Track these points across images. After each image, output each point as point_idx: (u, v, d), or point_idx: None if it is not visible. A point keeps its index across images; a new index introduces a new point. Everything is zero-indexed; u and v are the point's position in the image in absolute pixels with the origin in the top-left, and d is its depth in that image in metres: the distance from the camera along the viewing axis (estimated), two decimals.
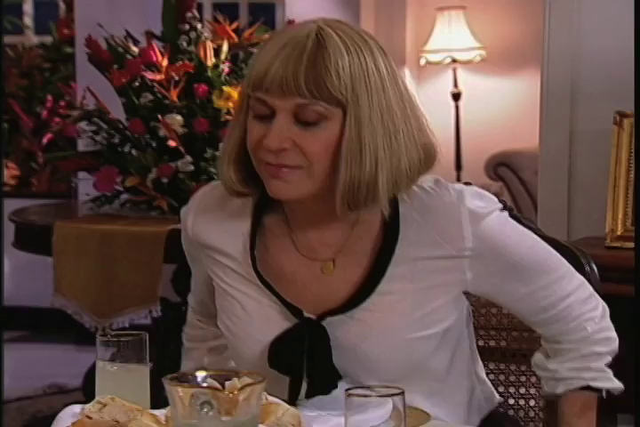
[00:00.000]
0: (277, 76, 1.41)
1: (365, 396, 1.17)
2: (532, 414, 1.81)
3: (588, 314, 1.57)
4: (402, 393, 1.17)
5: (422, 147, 1.47)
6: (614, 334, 1.59)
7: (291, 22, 3.38)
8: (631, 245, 2.43)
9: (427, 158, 1.48)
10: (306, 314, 1.51)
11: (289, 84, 1.40)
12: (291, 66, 1.40)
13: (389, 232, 1.49)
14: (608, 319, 1.60)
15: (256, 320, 1.53)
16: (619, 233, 2.46)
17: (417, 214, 1.49)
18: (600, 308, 1.59)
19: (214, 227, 1.57)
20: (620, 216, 2.47)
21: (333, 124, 1.43)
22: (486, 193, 1.54)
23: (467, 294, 1.57)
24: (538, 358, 1.62)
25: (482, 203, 1.51)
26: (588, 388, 1.57)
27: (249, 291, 1.54)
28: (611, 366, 1.60)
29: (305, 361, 1.49)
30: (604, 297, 1.71)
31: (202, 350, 1.76)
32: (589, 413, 1.58)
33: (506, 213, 1.55)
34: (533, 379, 1.80)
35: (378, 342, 1.49)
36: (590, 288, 1.60)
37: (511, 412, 1.81)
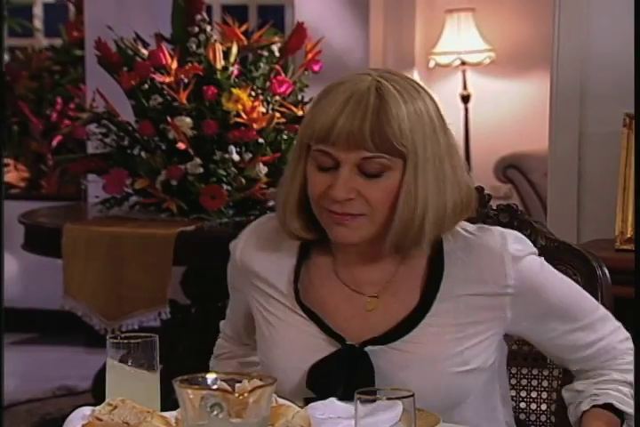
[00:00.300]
0: (344, 130, 1.47)
1: (375, 399, 1.17)
2: (543, 418, 1.80)
3: (623, 350, 1.60)
4: (412, 396, 1.17)
5: (465, 189, 1.55)
6: None
7: (301, 25, 3.38)
8: None
9: (468, 200, 1.55)
10: (348, 341, 1.55)
11: (355, 138, 1.47)
12: (357, 121, 1.47)
13: (434, 270, 1.56)
14: None
15: (298, 349, 1.56)
16: (628, 235, 2.45)
17: (461, 253, 1.56)
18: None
19: (263, 256, 1.62)
20: (630, 219, 2.46)
21: (394, 173, 1.50)
22: (524, 237, 1.60)
23: (505, 335, 1.61)
24: (567, 388, 1.63)
25: (520, 246, 1.57)
26: (611, 408, 1.55)
27: (292, 321, 1.58)
28: None
29: (342, 387, 1.51)
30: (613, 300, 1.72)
31: (231, 363, 1.77)
32: None
33: (542, 258, 1.61)
34: (545, 383, 1.79)
35: (418, 371, 1.52)
36: (626, 333, 1.62)
37: (522, 416, 1.81)
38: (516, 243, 1.56)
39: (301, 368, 1.54)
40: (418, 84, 1.55)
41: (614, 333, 1.60)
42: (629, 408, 1.55)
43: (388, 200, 1.50)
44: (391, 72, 1.55)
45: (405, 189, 1.50)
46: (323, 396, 1.49)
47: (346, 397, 1.47)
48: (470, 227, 1.58)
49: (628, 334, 1.62)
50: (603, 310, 1.61)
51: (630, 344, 1.61)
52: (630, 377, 1.57)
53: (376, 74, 1.52)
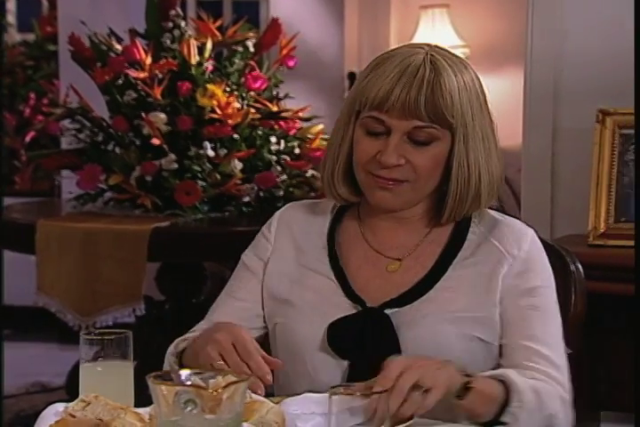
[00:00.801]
0: (400, 99, 1.55)
1: (349, 394, 1.17)
2: None
3: (550, 383, 1.56)
4: (385, 391, 1.18)
5: (501, 166, 1.64)
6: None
7: (276, 20, 3.38)
8: (614, 242, 2.44)
9: (500, 178, 1.63)
10: (369, 304, 1.59)
11: (410, 107, 1.55)
12: (413, 91, 1.54)
13: (457, 238, 1.64)
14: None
15: (320, 311, 1.60)
16: (601, 231, 2.47)
17: (485, 229, 1.65)
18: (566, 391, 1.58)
19: (299, 225, 1.70)
20: (603, 214, 2.48)
21: (442, 143, 1.58)
22: None
23: None
24: None
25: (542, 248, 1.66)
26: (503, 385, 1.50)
27: (318, 285, 1.63)
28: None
29: (366, 349, 1.55)
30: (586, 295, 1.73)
31: None
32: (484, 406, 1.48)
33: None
34: None
35: (430, 331, 1.56)
36: (564, 394, 1.57)
37: None
38: (540, 242, 1.65)
39: (321, 330, 1.58)
40: (464, 60, 1.64)
41: (558, 376, 1.57)
42: (519, 405, 1.48)
43: (433, 168, 1.58)
44: (439, 47, 1.63)
45: (457, 160, 1.58)
46: (343, 356, 1.55)
47: (365, 358, 1.53)
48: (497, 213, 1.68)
49: (565, 395, 1.57)
50: (562, 344, 1.61)
51: (556, 393, 1.55)
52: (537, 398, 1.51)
53: (428, 48, 1.60)
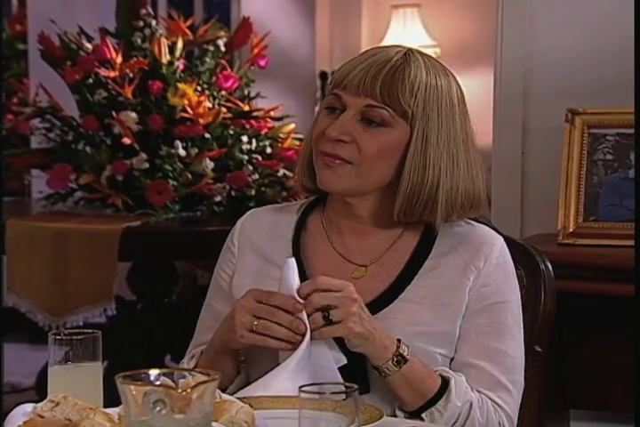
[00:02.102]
0: (358, 76, 1.54)
1: (319, 393, 1.17)
2: None
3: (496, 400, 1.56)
4: (356, 389, 1.18)
5: (477, 186, 1.59)
6: None
7: (247, 19, 3.38)
8: (583, 241, 2.45)
9: (478, 199, 1.59)
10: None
11: (366, 84, 1.53)
12: (373, 70, 1.53)
13: (424, 247, 1.61)
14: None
15: None
16: (571, 230, 2.48)
17: (454, 240, 1.61)
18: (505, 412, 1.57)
19: (262, 231, 1.67)
20: (572, 213, 2.49)
21: (394, 133, 1.55)
22: None
23: None
24: None
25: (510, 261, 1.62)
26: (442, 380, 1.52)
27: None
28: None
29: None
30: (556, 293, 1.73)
31: None
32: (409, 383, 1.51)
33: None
34: None
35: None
36: (517, 396, 1.58)
37: None
38: (508, 254, 1.61)
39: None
40: (450, 72, 1.61)
41: (503, 404, 1.56)
42: (450, 399, 1.50)
43: (378, 155, 1.54)
44: (425, 53, 1.61)
45: (412, 154, 1.54)
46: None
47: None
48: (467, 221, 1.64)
49: (505, 424, 1.56)
50: (522, 358, 1.59)
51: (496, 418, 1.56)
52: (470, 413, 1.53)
53: (410, 49, 1.59)
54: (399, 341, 1.50)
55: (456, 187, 1.56)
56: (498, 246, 1.60)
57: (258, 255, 1.65)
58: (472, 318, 1.57)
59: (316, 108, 1.66)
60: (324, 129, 1.56)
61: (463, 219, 1.63)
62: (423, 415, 1.52)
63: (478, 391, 1.55)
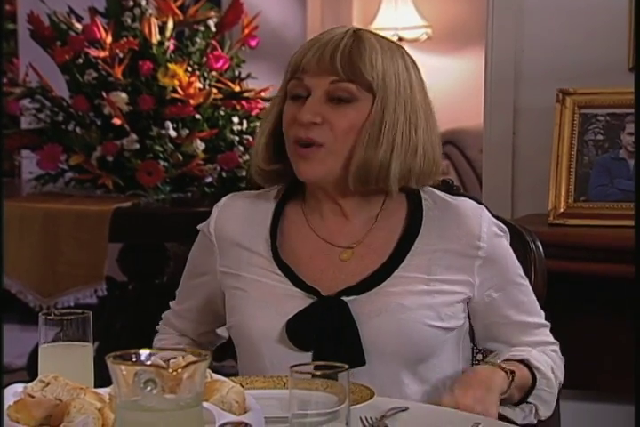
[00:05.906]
0: (315, 57, 1.54)
1: (309, 373, 1.18)
2: None
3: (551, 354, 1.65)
4: (346, 369, 1.18)
5: (436, 155, 1.59)
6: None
7: (237, 0, 3.37)
8: (574, 222, 2.46)
9: (436, 166, 1.59)
10: (324, 293, 1.56)
11: (325, 63, 1.53)
12: (329, 48, 1.54)
13: (412, 225, 1.60)
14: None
15: (273, 306, 1.57)
16: (561, 210, 2.49)
17: (439, 211, 1.61)
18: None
19: (237, 222, 1.64)
20: (563, 193, 2.49)
21: (362, 106, 1.54)
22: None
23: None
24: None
25: (497, 225, 1.63)
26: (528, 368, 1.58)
27: (267, 280, 1.59)
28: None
29: (327, 339, 1.53)
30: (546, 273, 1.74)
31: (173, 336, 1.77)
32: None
33: None
34: None
35: (390, 319, 1.54)
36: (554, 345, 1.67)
37: None
38: (492, 219, 1.63)
39: (279, 324, 1.55)
40: (402, 47, 1.61)
41: (552, 340, 1.66)
42: (542, 375, 1.58)
43: (350, 130, 1.54)
44: (374, 32, 1.61)
45: (369, 123, 1.53)
46: (304, 348, 1.53)
47: (327, 348, 1.52)
48: (448, 194, 1.65)
49: (560, 355, 1.66)
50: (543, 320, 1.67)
51: (553, 352, 1.65)
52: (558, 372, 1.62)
53: (356, 28, 1.58)
54: (502, 368, 1.52)
55: (413, 153, 1.55)
56: (485, 217, 1.61)
57: (235, 245, 1.63)
58: (495, 287, 1.60)
59: None
60: (293, 116, 1.55)
61: (438, 192, 1.64)
62: (533, 400, 1.59)
63: (535, 343, 1.62)
